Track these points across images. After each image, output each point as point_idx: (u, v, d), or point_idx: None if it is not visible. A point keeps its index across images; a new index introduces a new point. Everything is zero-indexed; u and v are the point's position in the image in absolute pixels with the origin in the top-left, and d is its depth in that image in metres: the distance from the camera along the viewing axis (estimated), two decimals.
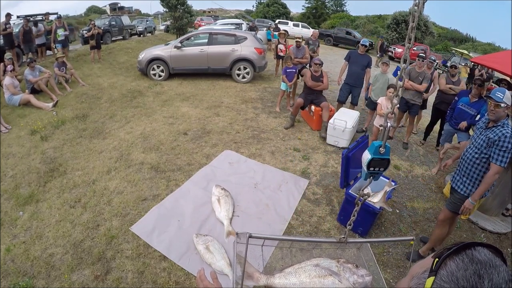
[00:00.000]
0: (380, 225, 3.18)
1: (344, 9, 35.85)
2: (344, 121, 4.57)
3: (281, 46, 8.30)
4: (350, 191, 2.96)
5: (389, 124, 1.01)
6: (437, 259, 0.49)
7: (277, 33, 11.46)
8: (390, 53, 17.79)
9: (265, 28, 16.54)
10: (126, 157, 4.02)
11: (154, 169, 3.78)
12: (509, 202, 3.57)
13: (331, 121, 4.70)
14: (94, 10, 39.74)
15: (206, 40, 7.85)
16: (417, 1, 0.87)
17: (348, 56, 5.48)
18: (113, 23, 15.23)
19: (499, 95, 2.24)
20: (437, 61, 13.08)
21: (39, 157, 3.97)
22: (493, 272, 0.44)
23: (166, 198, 3.24)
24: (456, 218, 2.70)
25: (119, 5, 33.90)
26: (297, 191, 3.56)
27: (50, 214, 2.95)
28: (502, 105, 2.21)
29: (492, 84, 8.77)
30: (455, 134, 4.28)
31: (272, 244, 1.49)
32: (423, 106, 5.57)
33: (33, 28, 8.79)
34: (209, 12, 43.36)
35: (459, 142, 4.10)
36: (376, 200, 2.87)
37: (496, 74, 9.54)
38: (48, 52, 10.01)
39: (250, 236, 1.02)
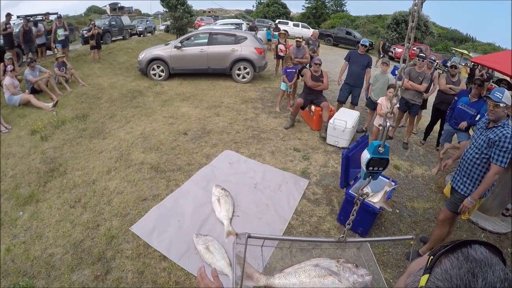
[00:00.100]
0: (380, 225, 3.18)
1: (344, 9, 35.90)
2: (344, 121, 4.57)
3: (281, 46, 8.30)
4: (350, 191, 2.96)
5: (388, 124, 1.01)
6: (431, 257, 0.48)
7: (277, 33, 11.46)
8: (390, 53, 17.79)
9: (265, 28, 16.53)
10: (126, 157, 4.02)
11: (154, 169, 3.78)
12: (509, 202, 3.57)
13: (331, 121, 4.70)
14: (94, 10, 39.76)
15: (206, 40, 7.85)
16: (416, 1, 0.87)
17: (348, 56, 5.48)
18: (113, 23, 15.23)
19: (498, 95, 2.24)
20: (437, 61, 13.09)
21: (39, 157, 3.98)
22: (487, 271, 0.44)
23: (166, 198, 3.25)
24: (456, 218, 2.69)
25: (119, 5, 33.89)
26: (297, 191, 3.56)
27: (50, 214, 2.96)
28: (501, 105, 2.21)
29: (492, 84, 8.78)
30: (455, 134, 4.28)
31: (271, 244, 1.50)
32: (423, 106, 5.57)
33: (33, 28, 8.80)
34: (209, 12, 43.37)
35: (459, 142, 4.10)
36: (376, 200, 2.88)
37: (496, 74, 9.55)
38: (48, 52, 10.02)
39: (249, 237, 1.02)
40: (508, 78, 6.39)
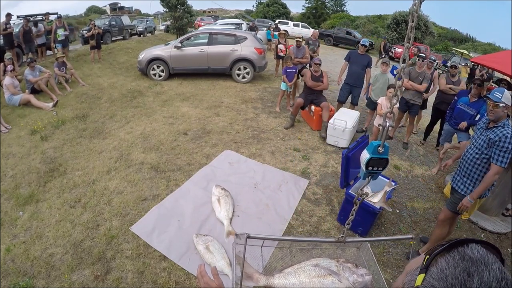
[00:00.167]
0: (380, 225, 3.18)
1: (344, 9, 35.90)
2: (344, 121, 4.57)
3: (281, 46, 8.29)
4: (350, 191, 2.96)
5: (388, 124, 1.01)
6: (427, 256, 0.48)
7: (277, 33, 11.46)
8: (390, 53, 17.78)
9: (265, 28, 16.53)
10: (126, 157, 4.02)
11: (154, 169, 3.78)
12: (509, 202, 3.57)
13: (331, 121, 4.70)
14: (94, 10, 39.75)
15: (206, 40, 7.85)
16: (416, 1, 0.87)
17: (348, 56, 5.48)
18: (113, 23, 15.22)
19: (497, 95, 2.24)
20: (437, 61, 13.08)
21: (39, 157, 3.98)
22: (483, 270, 0.43)
23: (166, 198, 3.25)
24: (456, 218, 2.70)
25: (119, 5, 33.90)
26: (297, 191, 3.56)
27: (50, 214, 2.96)
28: (501, 105, 2.21)
29: (492, 84, 8.79)
30: (455, 134, 4.28)
31: (271, 244, 1.50)
32: (423, 106, 5.57)
33: (33, 28, 8.79)
34: (209, 12, 43.37)
35: (459, 142, 4.10)
36: (376, 200, 2.88)
37: (496, 74, 9.55)
38: (48, 52, 10.02)
39: (249, 237, 1.02)
40: (508, 78, 6.40)
